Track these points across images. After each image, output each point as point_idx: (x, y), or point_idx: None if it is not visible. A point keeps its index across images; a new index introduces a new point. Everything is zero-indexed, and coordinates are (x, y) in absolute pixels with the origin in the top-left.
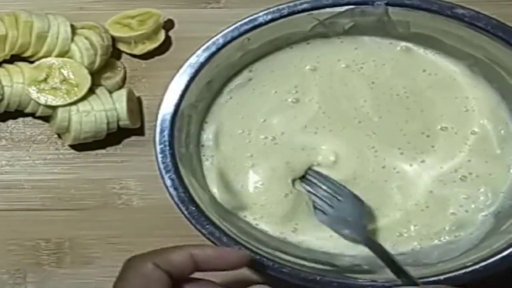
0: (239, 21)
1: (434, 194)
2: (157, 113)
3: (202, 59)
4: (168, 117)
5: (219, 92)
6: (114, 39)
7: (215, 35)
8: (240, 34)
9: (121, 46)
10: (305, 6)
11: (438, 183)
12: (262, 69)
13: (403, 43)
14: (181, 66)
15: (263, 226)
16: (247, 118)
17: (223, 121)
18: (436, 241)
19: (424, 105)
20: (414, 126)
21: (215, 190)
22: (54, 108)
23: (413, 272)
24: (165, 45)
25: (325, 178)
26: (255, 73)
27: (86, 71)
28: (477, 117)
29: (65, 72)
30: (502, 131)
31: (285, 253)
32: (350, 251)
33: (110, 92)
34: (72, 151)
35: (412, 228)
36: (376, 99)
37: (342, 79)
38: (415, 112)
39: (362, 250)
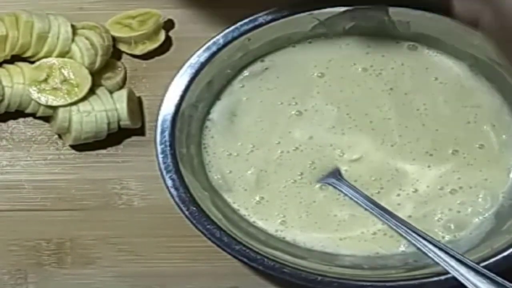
0: (239, 21)
1: (427, 204)
2: (157, 113)
3: (202, 59)
4: (169, 117)
5: (220, 93)
6: (114, 39)
7: (216, 35)
8: (241, 34)
9: (122, 46)
10: (305, 6)
11: (435, 194)
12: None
13: (409, 42)
14: (181, 66)
15: (261, 224)
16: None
17: None
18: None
19: (439, 123)
20: (424, 144)
21: (216, 189)
22: (54, 108)
23: (415, 272)
24: (166, 45)
25: None
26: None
27: (86, 71)
28: (482, 126)
29: (65, 72)
30: (504, 136)
31: (286, 253)
32: (351, 251)
33: (111, 92)
34: (73, 151)
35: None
36: (397, 107)
37: (356, 82)
38: (431, 130)
39: (362, 250)
